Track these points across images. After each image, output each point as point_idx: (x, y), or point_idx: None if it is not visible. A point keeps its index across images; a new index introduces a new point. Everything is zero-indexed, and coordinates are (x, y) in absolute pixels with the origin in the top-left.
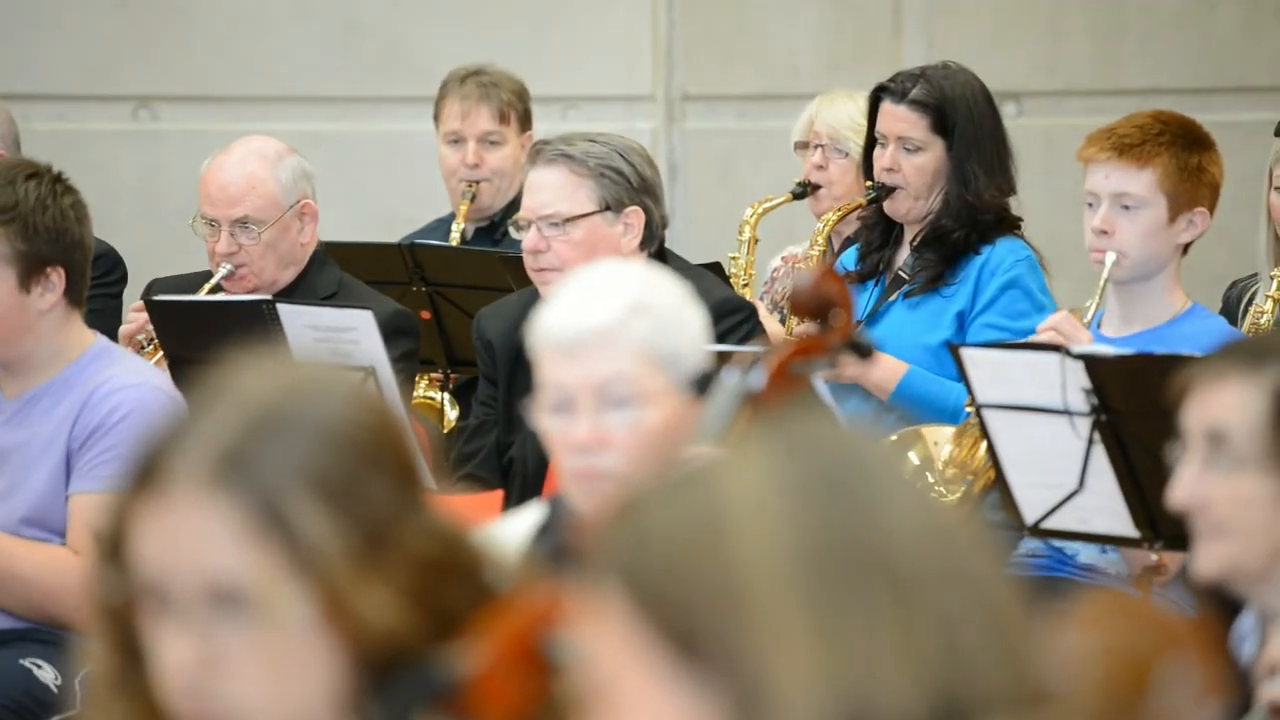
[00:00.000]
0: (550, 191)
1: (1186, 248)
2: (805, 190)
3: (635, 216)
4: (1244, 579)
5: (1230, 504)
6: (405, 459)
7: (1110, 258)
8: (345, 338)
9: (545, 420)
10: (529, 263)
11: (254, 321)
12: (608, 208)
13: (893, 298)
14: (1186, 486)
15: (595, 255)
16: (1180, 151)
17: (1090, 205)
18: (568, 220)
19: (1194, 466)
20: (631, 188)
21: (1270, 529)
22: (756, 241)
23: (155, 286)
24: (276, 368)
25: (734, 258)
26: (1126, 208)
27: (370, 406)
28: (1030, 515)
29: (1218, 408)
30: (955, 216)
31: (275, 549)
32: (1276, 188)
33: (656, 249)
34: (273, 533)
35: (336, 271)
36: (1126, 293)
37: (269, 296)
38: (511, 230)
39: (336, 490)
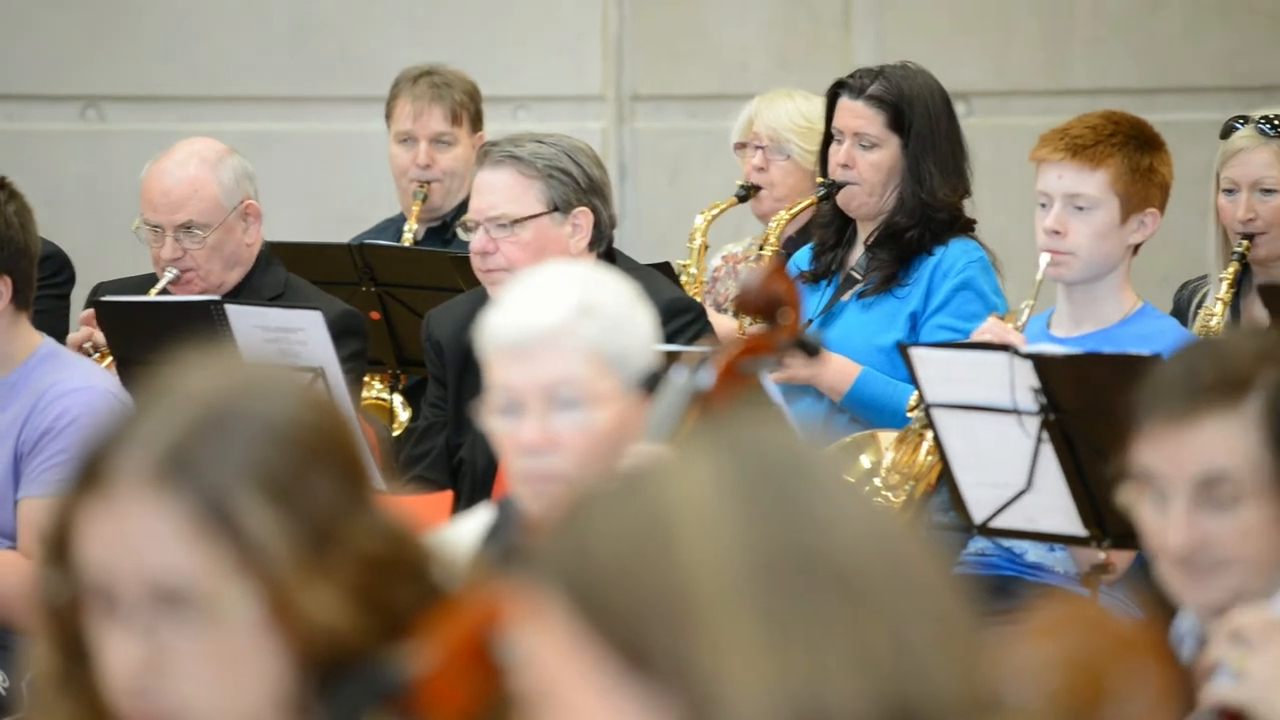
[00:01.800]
0: (498, 193)
1: (1136, 248)
2: (749, 192)
3: (584, 217)
4: (1246, 600)
5: (1238, 540)
6: (352, 458)
7: (1044, 260)
8: (294, 338)
9: (494, 422)
10: (477, 264)
11: (202, 322)
12: (556, 209)
13: (845, 297)
14: (1184, 532)
15: (544, 256)
16: (1133, 152)
17: (1043, 205)
18: (516, 222)
19: (1183, 510)
20: (580, 188)
21: (1269, 551)
22: (706, 248)
23: (101, 289)
24: (221, 367)
25: (685, 265)
26: (1079, 208)
27: (316, 405)
28: (978, 514)
29: (1206, 453)
30: (909, 214)
31: (220, 548)
32: (1224, 190)
33: (605, 249)
34: (217, 532)
35: (282, 272)
36: (1077, 293)
37: (217, 297)
38: (460, 232)
39: (282, 489)
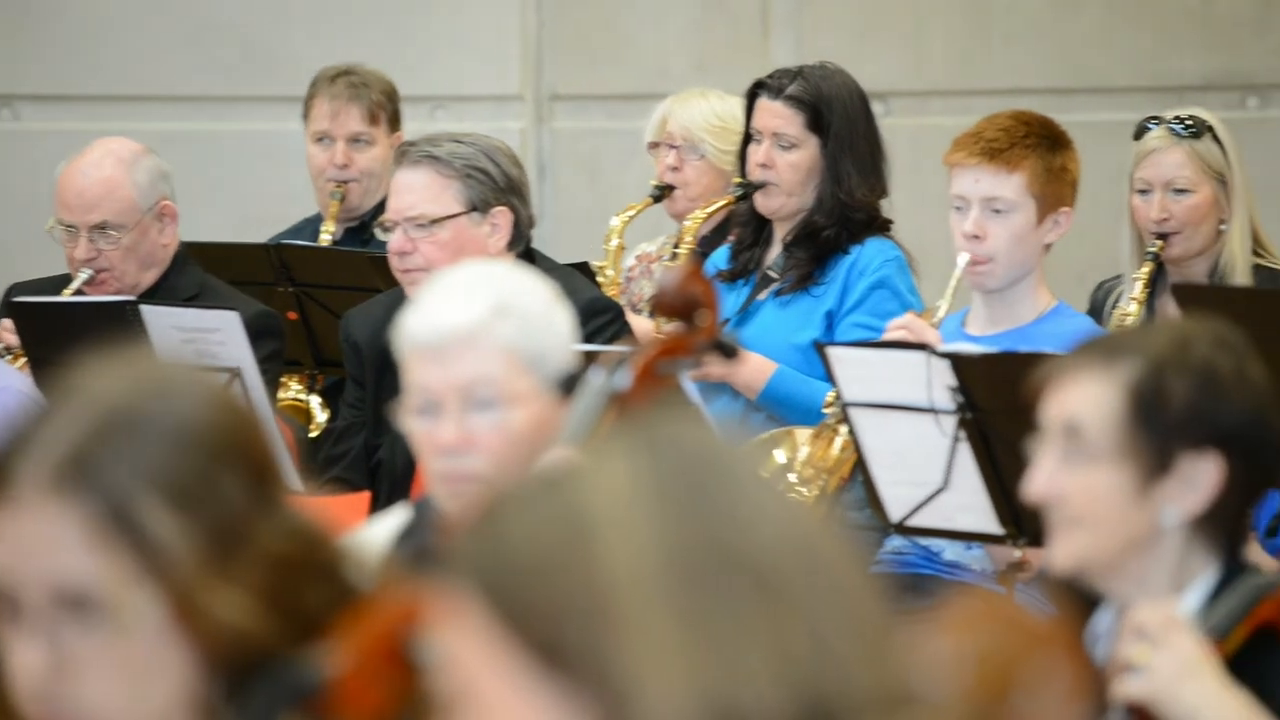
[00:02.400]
0: (416, 193)
1: (1047, 247)
2: (663, 192)
3: (502, 216)
4: (1098, 571)
5: (1085, 497)
6: (260, 458)
7: (962, 260)
8: (211, 339)
9: (411, 422)
10: (395, 264)
11: (118, 323)
12: (474, 208)
13: (762, 296)
14: (1043, 480)
15: (462, 256)
16: (1045, 153)
17: (957, 209)
18: (434, 221)
19: (1050, 460)
20: (498, 188)
21: (1123, 522)
22: (623, 249)
23: (15, 290)
24: (126, 368)
25: (602, 266)
26: (997, 211)
27: (223, 405)
28: (895, 513)
29: (1073, 402)
30: (828, 214)
31: (123, 552)
32: (1138, 190)
33: (524, 249)
34: (120, 536)
35: (199, 272)
36: (993, 294)
37: (132, 298)
38: (378, 232)
39: (186, 491)
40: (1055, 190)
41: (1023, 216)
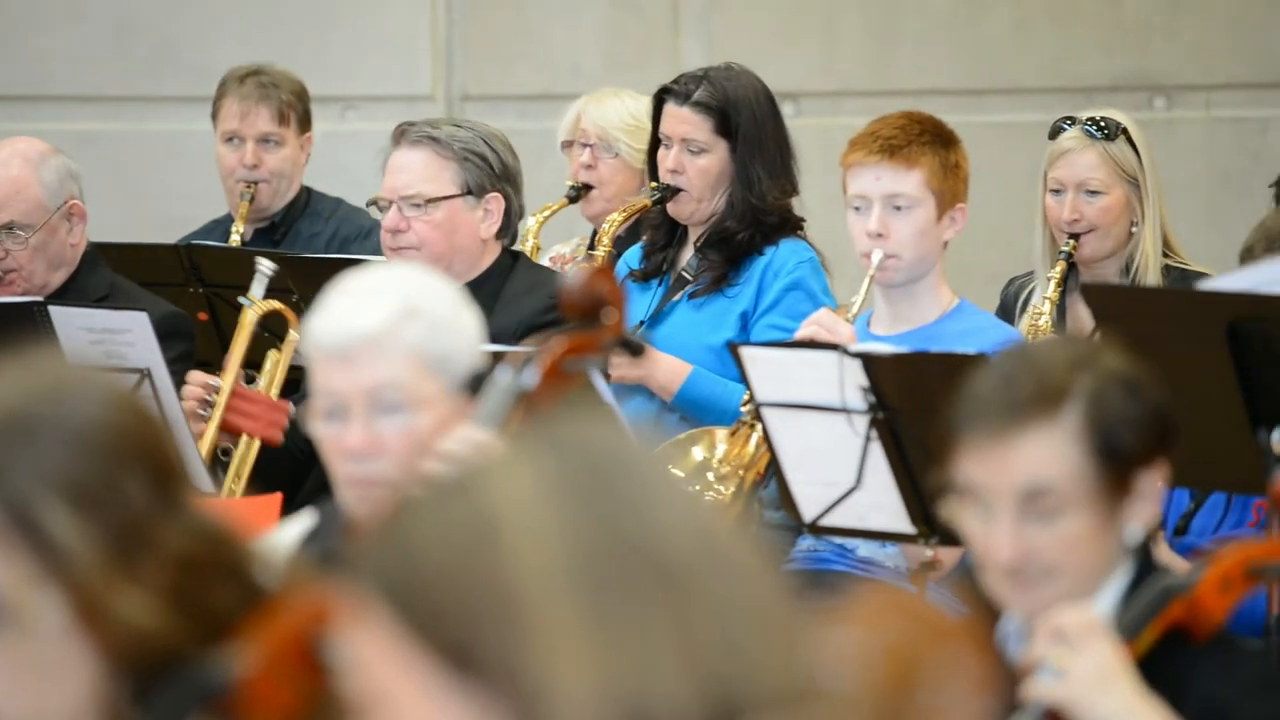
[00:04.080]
0: (413, 172)
1: (945, 244)
2: (579, 193)
3: (495, 203)
4: (1069, 603)
5: (1061, 548)
6: (163, 458)
7: (877, 256)
8: (120, 340)
9: (319, 426)
10: (387, 242)
11: (25, 324)
12: (469, 192)
13: (676, 298)
14: (1010, 545)
15: (455, 238)
16: (940, 149)
17: (856, 209)
18: (430, 201)
19: (1008, 523)
20: (494, 174)
21: (1098, 555)
22: (539, 249)
23: None
24: (24, 372)
25: None
26: (898, 208)
27: (124, 406)
28: (809, 512)
29: (1027, 466)
30: (739, 218)
31: (24, 556)
32: (1051, 190)
33: (510, 240)
34: (21, 539)
35: (108, 273)
36: (896, 293)
37: (40, 299)
38: (372, 210)
39: (87, 494)
40: (952, 186)
41: (924, 212)
